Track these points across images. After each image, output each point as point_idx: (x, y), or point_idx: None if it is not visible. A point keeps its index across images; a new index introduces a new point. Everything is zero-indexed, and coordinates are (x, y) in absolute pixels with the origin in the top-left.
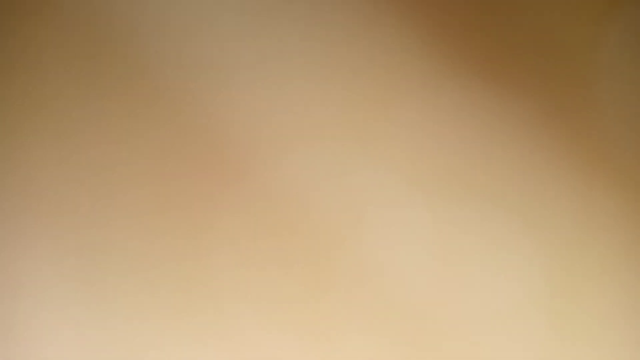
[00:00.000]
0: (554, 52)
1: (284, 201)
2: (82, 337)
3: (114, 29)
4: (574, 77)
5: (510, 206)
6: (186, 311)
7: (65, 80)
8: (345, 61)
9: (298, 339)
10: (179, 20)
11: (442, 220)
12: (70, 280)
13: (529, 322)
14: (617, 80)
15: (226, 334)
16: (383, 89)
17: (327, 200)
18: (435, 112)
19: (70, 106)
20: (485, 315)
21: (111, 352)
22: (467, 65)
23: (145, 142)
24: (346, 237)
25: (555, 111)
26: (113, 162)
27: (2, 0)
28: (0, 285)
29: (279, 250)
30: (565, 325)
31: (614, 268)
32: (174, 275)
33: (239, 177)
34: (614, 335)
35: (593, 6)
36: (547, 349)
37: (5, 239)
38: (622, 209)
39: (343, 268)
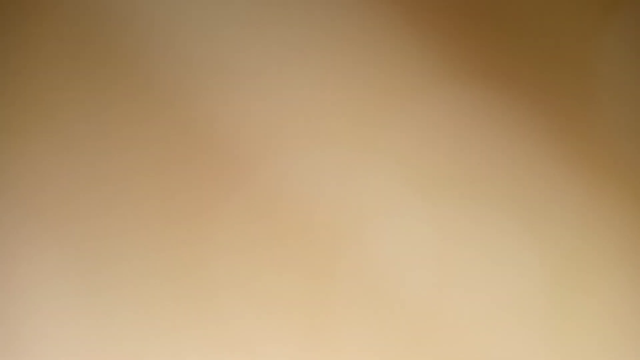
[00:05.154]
0: (554, 55)
1: (286, 205)
2: (83, 341)
3: (118, 34)
4: (575, 80)
5: (511, 209)
6: (189, 317)
7: (69, 87)
8: (346, 65)
9: (300, 341)
10: (182, 27)
11: (443, 223)
12: (72, 285)
13: (529, 323)
14: (617, 82)
15: (229, 337)
16: (384, 93)
17: (329, 204)
18: (437, 115)
19: (75, 114)
20: (485, 317)
21: (112, 356)
22: (467, 69)
23: (149, 150)
24: (348, 240)
25: (556, 114)
26: (115, 170)
27: (6, 6)
28: (2, 289)
29: (281, 255)
30: (565, 326)
31: (613, 270)
32: (176, 282)
33: (242, 182)
34: (613, 337)
35: (592, 9)
36: (546, 350)
37: (7, 244)
38: (621, 211)
39: (345, 271)
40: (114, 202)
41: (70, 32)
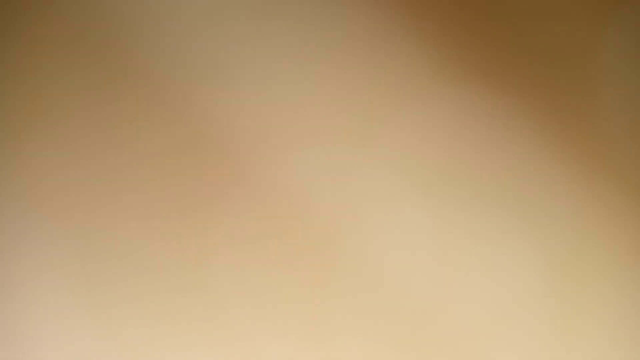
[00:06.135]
0: (554, 56)
1: (286, 204)
2: (83, 340)
3: (117, 34)
4: (574, 81)
5: (510, 208)
6: (187, 314)
7: (68, 85)
8: (346, 64)
9: (299, 340)
10: (181, 25)
11: (442, 222)
12: (72, 283)
13: (528, 323)
14: (617, 83)
15: (228, 335)
16: (384, 92)
17: (328, 202)
18: (436, 114)
19: (72, 110)
20: (484, 316)
21: (112, 355)
22: (467, 69)
23: (146, 146)
24: (347, 239)
25: (557, 113)
26: (114, 166)
27: (7, 7)
28: (2, 288)
29: (280, 253)
30: (564, 325)
31: (614, 268)
32: (175, 278)
33: (241, 180)
34: (611, 336)
35: (592, 10)
36: (545, 349)
37: (8, 242)
38: (620, 211)
39: (344, 270)
40: (112, 198)
41: (65, 30)
